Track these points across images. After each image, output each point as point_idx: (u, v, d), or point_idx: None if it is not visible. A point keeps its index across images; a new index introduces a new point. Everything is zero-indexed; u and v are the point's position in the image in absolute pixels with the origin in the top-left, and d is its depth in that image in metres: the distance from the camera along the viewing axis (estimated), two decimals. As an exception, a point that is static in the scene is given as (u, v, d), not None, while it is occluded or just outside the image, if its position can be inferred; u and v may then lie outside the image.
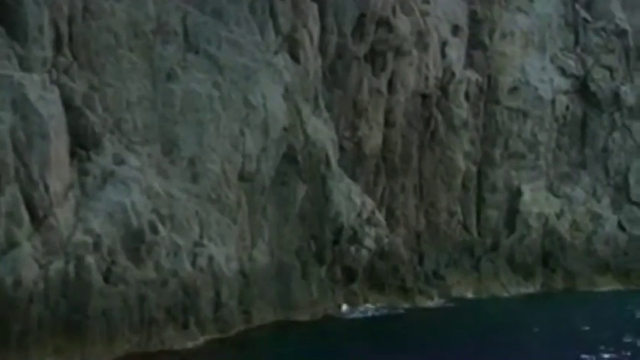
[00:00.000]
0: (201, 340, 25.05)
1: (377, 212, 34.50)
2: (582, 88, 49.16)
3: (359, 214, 33.60)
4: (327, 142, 32.39)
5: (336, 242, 32.21)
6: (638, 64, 50.92)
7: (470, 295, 40.41)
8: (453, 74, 42.17)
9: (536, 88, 46.77)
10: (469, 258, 42.18)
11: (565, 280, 44.42)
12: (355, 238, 33.28)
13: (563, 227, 46.06)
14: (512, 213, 45.52)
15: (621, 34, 50.16)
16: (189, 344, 24.45)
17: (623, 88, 49.19)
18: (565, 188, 47.30)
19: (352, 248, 32.72)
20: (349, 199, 33.11)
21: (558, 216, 46.39)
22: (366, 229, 33.80)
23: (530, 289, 43.21)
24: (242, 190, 27.73)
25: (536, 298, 41.70)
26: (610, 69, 49.46)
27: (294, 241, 30.03)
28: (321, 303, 30.71)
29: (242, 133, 27.85)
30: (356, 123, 36.97)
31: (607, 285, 45.24)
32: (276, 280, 29.36)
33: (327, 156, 31.98)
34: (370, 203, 34.31)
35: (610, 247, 47.12)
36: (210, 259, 25.94)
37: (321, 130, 31.94)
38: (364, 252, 33.34)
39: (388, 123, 38.24)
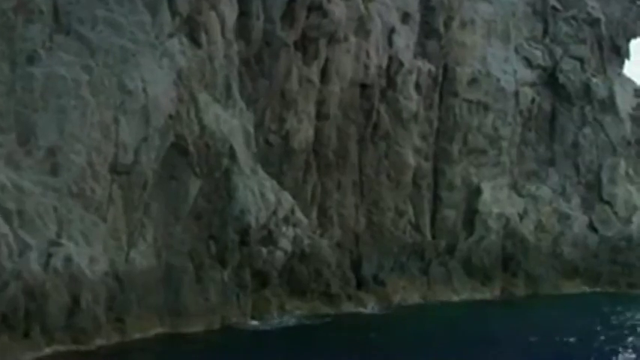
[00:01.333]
0: (47, 350, 21.25)
1: (297, 211, 30.74)
2: (550, 80, 44.85)
3: (274, 213, 29.88)
4: (234, 133, 28.74)
5: (244, 243, 28.56)
6: (611, 56, 46.62)
7: (416, 301, 36.40)
8: (401, 64, 38.19)
9: (497, 80, 42.55)
10: (418, 261, 38.02)
11: (527, 285, 40.03)
12: (269, 239, 29.57)
13: (526, 228, 41.79)
14: (471, 213, 41.40)
15: (593, 23, 45.71)
16: (29, 355, 20.90)
17: (595, 80, 44.77)
18: (530, 187, 43.03)
19: (264, 250, 29.06)
20: (262, 195, 29.36)
21: (521, 216, 42.12)
22: (283, 228, 30.01)
23: (487, 294, 38.94)
24: (115, 184, 24.14)
25: (490, 304, 37.34)
26: (581, 60, 45.06)
27: (186, 242, 26.28)
28: (221, 311, 26.91)
29: (116, 121, 24.15)
30: (284, 115, 33.17)
31: (574, 289, 40.89)
32: (163, 285, 25.66)
33: (232, 148, 28.36)
34: (289, 201, 30.53)
35: (578, 249, 42.70)
36: (68, 259, 22.18)
37: (226, 121, 28.24)
38: (279, 254, 29.53)
39: (321, 115, 34.37)
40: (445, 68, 41.21)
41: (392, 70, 37.86)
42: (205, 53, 28.19)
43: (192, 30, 28.11)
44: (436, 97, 40.03)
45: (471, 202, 41.10)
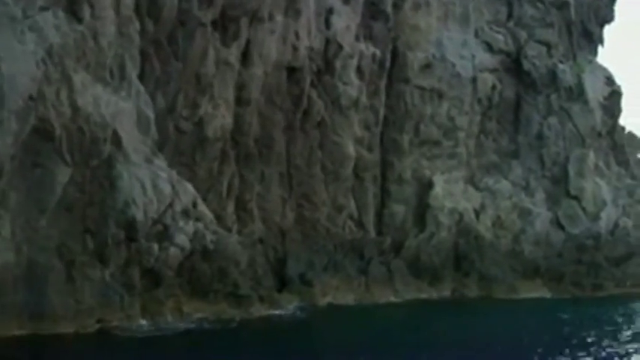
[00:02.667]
0: None
1: (201, 204, 27.35)
2: (514, 67, 40.74)
3: (170, 205, 26.58)
4: (122, 118, 25.46)
5: (132, 239, 25.35)
6: (582, 41, 42.52)
7: (350, 302, 32.82)
8: (340, 47, 34.68)
9: (453, 65, 38.67)
10: (357, 260, 34.33)
11: (480, 287, 35.91)
12: (164, 235, 26.24)
13: (483, 225, 37.86)
14: (422, 208, 37.69)
15: (562, 6, 41.36)
16: None
17: (562, 67, 40.61)
18: (488, 180, 39.09)
19: (155, 246, 25.78)
20: (154, 186, 25.98)
21: (478, 212, 38.29)
22: (180, 223, 26.73)
23: (434, 296, 35.31)
24: (-41, 172, 21.12)
25: (434, 306, 33.44)
26: (547, 45, 40.94)
27: (53, 236, 23.16)
28: (99, 313, 23.69)
29: (-39, 102, 21.23)
30: (197, 100, 29.87)
31: (533, 292, 36.54)
32: (24, 284, 22.56)
33: (116, 134, 25.13)
34: (190, 193, 27.12)
35: (540, 248, 38.58)
36: None
37: (110, 104, 24.88)
38: (174, 251, 26.08)
39: (241, 100, 30.96)
40: (395, 53, 37.50)
41: (330, 53, 34.26)
42: (88, 29, 24.92)
43: (72, 3, 24.94)
44: (383, 83, 36.33)
45: (423, 197, 37.41)
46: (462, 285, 35.66)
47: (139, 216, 24.88)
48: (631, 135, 47.12)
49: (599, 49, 42.83)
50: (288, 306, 29.29)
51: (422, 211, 36.93)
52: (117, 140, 24.92)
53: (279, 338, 24.99)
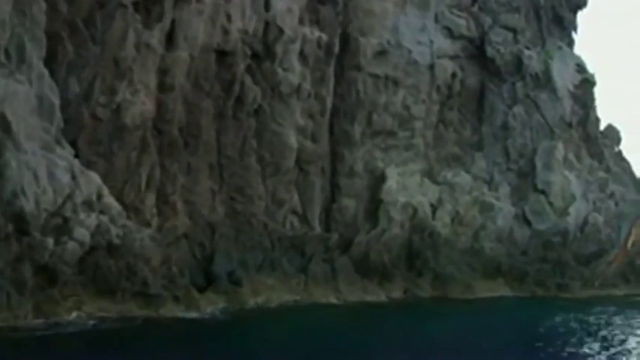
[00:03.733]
0: None
1: (107, 195, 24.93)
2: (477, 53, 38.22)
3: (69, 197, 24.30)
4: (13, 102, 23.14)
5: (22, 232, 23.06)
6: (552, 27, 39.65)
7: (286, 303, 30.21)
8: (280, 31, 32.29)
9: (409, 52, 36.08)
10: (298, 257, 31.94)
11: (434, 287, 33.17)
12: (63, 228, 23.95)
13: (440, 220, 35.14)
14: (375, 203, 35.27)
15: (530, -11, 39.15)
16: None
17: (527, 53, 37.91)
18: (447, 173, 36.45)
19: (50, 241, 23.49)
20: (50, 176, 23.75)
21: (435, 207, 35.72)
22: (82, 216, 24.36)
23: (382, 296, 32.61)
24: None
25: (378, 308, 30.50)
26: (513, 30, 38.23)
27: None
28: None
29: None
30: (115, 86, 27.67)
31: (492, 292, 33.97)
32: None
33: (4, 119, 22.85)
34: (95, 184, 24.67)
35: (503, 245, 35.78)
36: None
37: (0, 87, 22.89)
38: (72, 246, 23.82)
39: (164, 86, 28.63)
40: (346, 38, 35.01)
41: (269, 37, 31.88)
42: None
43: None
44: (330, 70, 33.80)
45: (375, 191, 34.84)
46: (415, 285, 32.92)
47: (29, 207, 22.49)
48: (610, 127, 44.27)
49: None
50: (209, 307, 26.78)
51: (374, 206, 34.32)
52: (5, 125, 22.63)
53: (179, 341, 22.50)
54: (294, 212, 32.37)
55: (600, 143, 39.88)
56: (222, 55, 29.44)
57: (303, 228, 32.35)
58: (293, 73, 31.86)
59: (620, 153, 43.41)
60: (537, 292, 33.98)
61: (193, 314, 25.80)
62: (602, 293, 34.48)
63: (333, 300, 30.65)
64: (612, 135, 43.57)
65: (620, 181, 39.02)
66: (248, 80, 30.14)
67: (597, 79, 39.04)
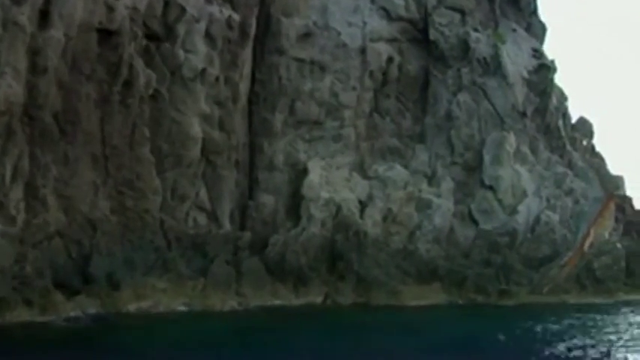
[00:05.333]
0: None
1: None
2: (419, 36, 34.30)
3: None
4: None
5: None
6: (507, 9, 35.24)
7: (180, 308, 26.73)
8: (182, 9, 28.79)
9: (338, 34, 32.32)
10: (199, 258, 28.29)
11: (357, 292, 29.00)
12: None
13: (370, 219, 31.13)
14: (296, 199, 31.50)
15: (480, -34, 34.88)
16: None
17: (475, 36, 33.76)
18: (379, 167, 32.58)
19: None
20: None
21: (364, 203, 31.77)
22: None
23: (293, 301, 28.75)
24: None
25: (286, 314, 26.68)
26: (461, 12, 34.20)
27: None
28: None
29: None
30: (-24, 67, 24.49)
31: (425, 298, 29.71)
32: None
33: None
34: None
35: (441, 247, 31.78)
36: None
37: None
38: None
39: (36, 69, 25.25)
40: (268, 19, 31.47)
41: (169, 16, 28.43)
42: None
43: None
44: (245, 53, 30.03)
45: (297, 186, 31.17)
46: (335, 290, 29.09)
47: None
48: (582, 120, 39.93)
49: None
50: (74, 312, 23.35)
51: (295, 202, 30.48)
52: None
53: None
54: (201, 208, 28.73)
55: (565, 135, 35.55)
56: (106, 35, 25.97)
57: (211, 226, 28.79)
58: (196, 55, 28.20)
59: (592, 147, 39.10)
60: (477, 299, 29.71)
61: (49, 319, 22.46)
62: (552, 300, 30.08)
63: (234, 305, 26.86)
64: (584, 128, 39.25)
65: (584, 177, 34.49)
66: (139, 63, 26.49)
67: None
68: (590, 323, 26.50)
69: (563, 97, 38.58)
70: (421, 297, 29.11)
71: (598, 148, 39.13)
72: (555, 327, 25.70)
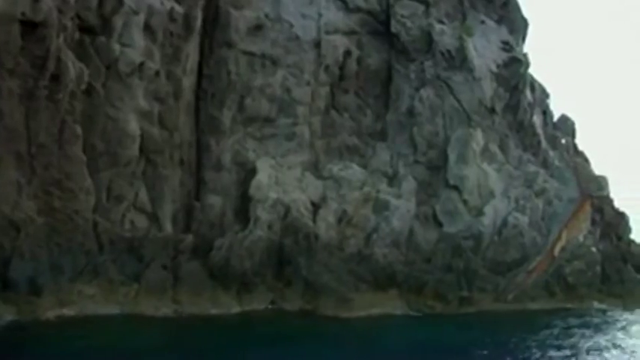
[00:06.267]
0: None
1: None
2: (380, 28, 32.28)
3: None
4: None
5: None
6: (479, 1, 33.17)
7: (112, 314, 25.06)
8: (119, 1, 27.13)
9: (291, 26, 30.60)
10: (134, 262, 26.74)
11: (305, 299, 26.80)
12: None
13: (323, 221, 29.17)
14: (245, 200, 29.72)
15: (446, -45, 32.80)
16: None
17: (439, 28, 31.73)
18: (334, 166, 30.63)
19: None
20: None
21: (317, 205, 29.84)
22: None
23: (235, 308, 26.86)
24: None
25: (217, 323, 24.78)
26: (425, 3, 32.21)
27: None
28: None
29: None
30: None
31: (379, 306, 27.48)
32: None
33: None
34: None
35: (400, 251, 29.72)
36: None
37: None
38: None
39: (-54, 61, 23.77)
40: (216, 11, 29.79)
41: (106, 8, 26.92)
42: None
43: None
44: (189, 47, 28.22)
45: (245, 186, 29.37)
46: (282, 297, 27.27)
47: None
48: (564, 118, 37.64)
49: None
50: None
51: (243, 203, 28.85)
52: None
53: None
54: (140, 210, 27.12)
55: (541, 133, 33.36)
56: (30, 27, 24.46)
57: (151, 228, 27.15)
58: (134, 49, 26.61)
59: (574, 146, 36.81)
60: (436, 306, 27.72)
61: None
62: (517, 307, 27.99)
63: (169, 313, 25.20)
64: (565, 126, 36.99)
65: (560, 177, 32.19)
66: (69, 56, 24.90)
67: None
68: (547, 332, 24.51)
69: (544, 94, 36.41)
70: (375, 304, 27.08)
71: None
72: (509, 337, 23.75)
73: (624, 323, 26.33)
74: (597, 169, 35.02)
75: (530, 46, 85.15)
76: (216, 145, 28.65)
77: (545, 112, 35.78)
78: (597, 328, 25.43)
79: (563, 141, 34.75)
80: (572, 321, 26.39)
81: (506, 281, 28.59)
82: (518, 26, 34.59)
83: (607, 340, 23.62)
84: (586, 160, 36.33)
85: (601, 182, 35.01)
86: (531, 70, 32.70)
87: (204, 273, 26.53)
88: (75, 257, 24.79)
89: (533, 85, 35.33)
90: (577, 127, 36.27)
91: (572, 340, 23.61)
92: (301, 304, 26.85)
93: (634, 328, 25.59)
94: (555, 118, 36.51)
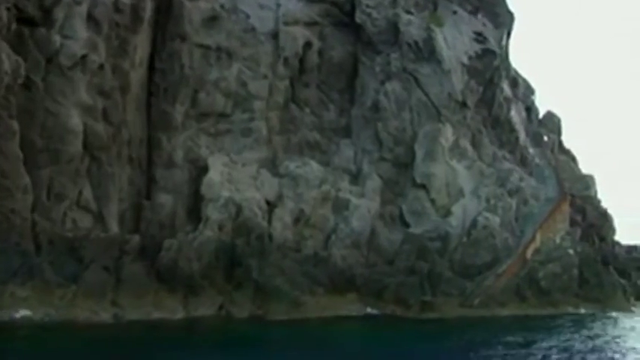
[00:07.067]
0: None
1: None
2: (344, 19, 30.81)
3: None
4: None
5: None
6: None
7: (42, 318, 23.71)
8: (60, -9, 26.03)
9: (247, 17, 29.27)
10: (73, 264, 25.52)
11: (256, 303, 25.03)
12: None
13: (278, 221, 27.68)
14: (197, 199, 28.35)
15: (416, -59, 31.17)
16: None
17: (406, 18, 30.13)
18: (291, 164, 29.07)
19: None
20: None
21: (273, 204, 28.35)
22: None
23: (178, 313, 25.44)
24: None
25: (158, 329, 23.54)
26: (393, -9, 30.68)
27: None
28: None
29: None
30: None
31: (333, 310, 26.32)
32: None
33: None
34: None
35: (360, 253, 28.19)
36: None
37: None
38: None
39: None
40: (169, 2, 28.42)
41: (47, 0, 25.81)
42: None
43: None
44: (137, 39, 26.99)
45: (197, 184, 28.06)
46: (231, 301, 25.78)
47: None
48: (550, 115, 35.88)
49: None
50: None
51: (195, 202, 27.51)
52: None
53: None
54: (84, 209, 25.87)
55: (519, 129, 31.59)
56: (-40, 16, 23.39)
57: (95, 228, 25.89)
58: (76, 41, 25.44)
59: (559, 143, 34.99)
60: (395, 311, 26.12)
61: None
62: (484, 314, 26.15)
63: (107, 317, 23.78)
64: (551, 123, 35.21)
65: (539, 176, 30.46)
66: (4, 49, 23.57)
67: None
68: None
69: (529, 90, 34.74)
70: (329, 309, 25.57)
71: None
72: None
73: (596, 331, 24.43)
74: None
75: (534, 45, 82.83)
76: (168, 141, 27.31)
77: (530, 109, 34.07)
78: (562, 335, 23.59)
79: (546, 138, 32.96)
80: (537, 328, 24.54)
81: (473, 285, 26.84)
82: (503, 20, 32.97)
83: (569, 347, 21.74)
84: (573, 158, 34.59)
85: (587, 182, 33.24)
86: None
87: (150, 275, 25.08)
88: (8, 258, 23.41)
89: (517, 80, 33.71)
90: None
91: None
92: (251, 308, 25.30)
93: (606, 334, 23.69)
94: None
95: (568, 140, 36.57)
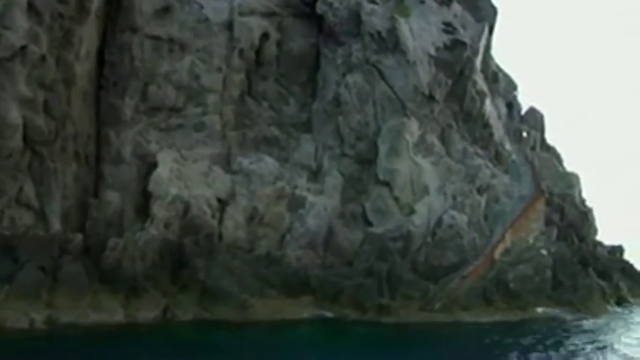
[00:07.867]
0: None
1: None
2: (305, 9, 29.32)
3: None
4: None
5: None
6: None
7: None
8: (-3, -20, 25.03)
9: (200, 7, 27.90)
10: (9, 263, 23.52)
11: (202, 305, 23.42)
12: None
13: (230, 220, 26.23)
14: (145, 196, 27.05)
15: None
16: None
17: (369, 8, 28.56)
18: (245, 160, 27.55)
19: None
20: None
21: (225, 202, 26.98)
22: None
23: (117, 316, 23.38)
24: None
25: (94, 335, 22.39)
26: (356, -20, 29.19)
27: None
28: None
29: None
30: None
31: (283, 313, 24.73)
32: None
33: None
34: None
35: (317, 253, 26.62)
36: None
37: None
38: None
39: None
40: (121, -7, 27.39)
41: (-15, -11, 24.77)
42: None
43: None
44: (82, 30, 25.98)
45: (147, 181, 26.77)
46: (175, 303, 24.34)
47: None
48: (532, 110, 34.11)
49: None
50: None
51: (145, 200, 26.25)
52: None
53: None
54: (25, 206, 24.72)
55: (494, 124, 29.88)
56: None
57: (35, 226, 24.70)
58: (15, 32, 24.39)
59: (542, 140, 33.18)
60: (350, 315, 24.54)
61: None
62: (445, 319, 24.40)
63: (39, 320, 22.45)
64: (534, 120, 33.44)
65: (515, 173, 28.72)
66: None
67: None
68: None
69: (510, 85, 33.05)
70: (281, 312, 24.09)
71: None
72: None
73: (563, 336, 22.62)
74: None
75: (535, 46, 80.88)
76: (117, 136, 26.08)
77: (512, 105, 32.34)
78: (516, 341, 21.82)
79: (525, 134, 31.21)
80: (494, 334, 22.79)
81: (437, 288, 25.15)
82: (485, 14, 31.46)
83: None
84: (557, 156, 32.75)
85: (571, 180, 31.42)
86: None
87: (92, 276, 23.78)
88: None
89: (497, 75, 32.05)
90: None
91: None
92: (196, 310, 23.87)
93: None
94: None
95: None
